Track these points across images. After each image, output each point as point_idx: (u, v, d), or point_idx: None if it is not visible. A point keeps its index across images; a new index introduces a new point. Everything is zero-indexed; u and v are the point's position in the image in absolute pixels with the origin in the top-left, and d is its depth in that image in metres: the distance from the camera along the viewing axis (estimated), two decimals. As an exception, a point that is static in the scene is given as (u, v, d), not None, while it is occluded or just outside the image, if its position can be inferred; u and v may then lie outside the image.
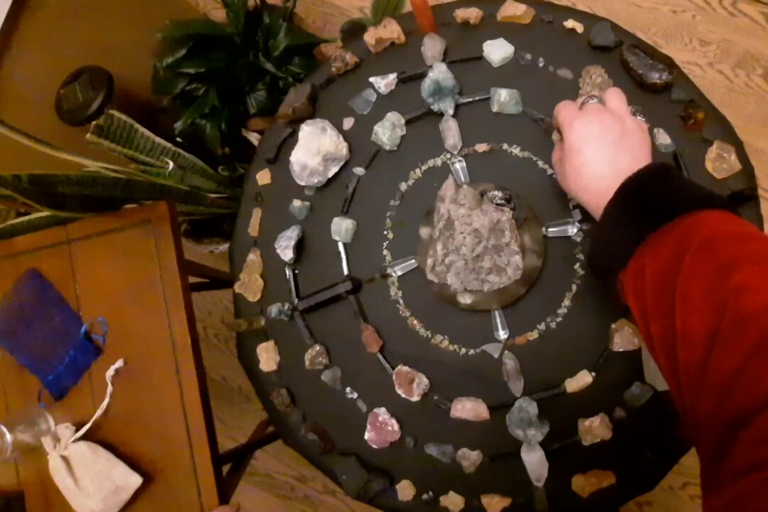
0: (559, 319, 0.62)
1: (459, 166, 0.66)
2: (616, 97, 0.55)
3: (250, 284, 0.71)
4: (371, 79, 0.69)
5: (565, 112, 0.55)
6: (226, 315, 1.50)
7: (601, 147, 0.51)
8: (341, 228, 0.67)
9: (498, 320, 0.63)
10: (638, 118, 0.57)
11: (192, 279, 0.79)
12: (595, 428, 0.58)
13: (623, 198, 0.48)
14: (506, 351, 0.62)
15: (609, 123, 0.51)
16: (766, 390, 0.33)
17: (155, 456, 0.71)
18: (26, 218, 0.79)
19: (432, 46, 0.68)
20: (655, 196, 0.47)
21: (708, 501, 0.34)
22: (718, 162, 0.60)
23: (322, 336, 0.68)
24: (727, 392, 0.35)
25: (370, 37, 0.70)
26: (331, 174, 0.69)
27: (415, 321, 0.65)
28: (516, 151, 0.65)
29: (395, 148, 0.68)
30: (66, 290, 0.78)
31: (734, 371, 0.35)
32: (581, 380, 0.60)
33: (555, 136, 0.63)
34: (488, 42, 0.67)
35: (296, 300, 0.69)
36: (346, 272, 0.68)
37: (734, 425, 0.34)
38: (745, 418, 0.33)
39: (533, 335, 0.62)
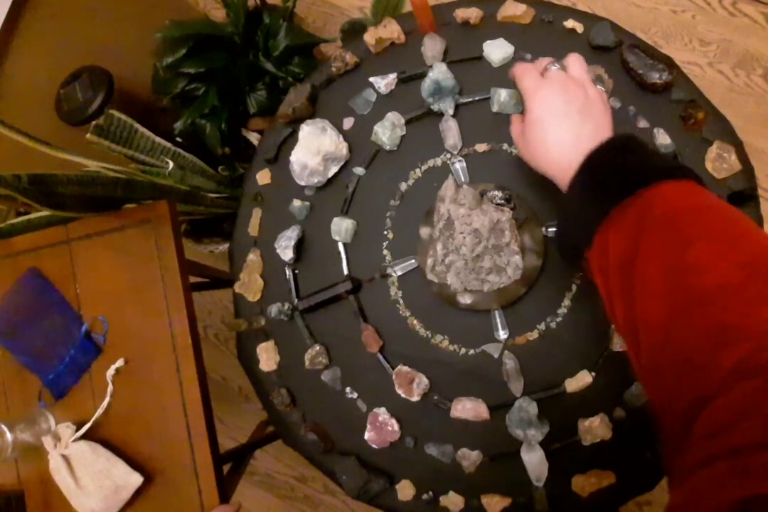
0: (559, 319, 0.62)
1: (459, 166, 0.66)
2: (577, 64, 0.53)
3: (250, 284, 0.71)
4: (371, 79, 0.69)
5: (528, 79, 0.53)
6: (226, 315, 1.50)
7: (567, 118, 0.49)
8: (341, 228, 0.67)
9: (498, 320, 0.63)
10: (598, 87, 0.55)
11: (192, 279, 0.79)
12: (595, 428, 0.58)
13: (587, 171, 0.46)
14: (506, 351, 0.62)
15: (573, 93, 0.50)
16: (717, 378, 0.31)
17: (156, 455, 0.71)
18: (26, 218, 0.79)
19: (432, 46, 0.68)
20: (618, 169, 0.45)
21: (670, 498, 0.32)
22: (718, 162, 0.60)
23: (322, 336, 0.68)
24: (680, 381, 0.33)
25: (370, 37, 0.70)
26: (331, 174, 0.69)
27: (415, 321, 0.65)
28: (516, 151, 0.65)
29: (395, 148, 0.68)
30: (66, 289, 0.78)
31: (687, 358, 0.33)
32: (581, 380, 0.60)
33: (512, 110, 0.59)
34: (488, 42, 0.67)
35: (296, 300, 0.69)
36: (346, 272, 0.68)
37: (688, 417, 0.32)
38: (697, 409, 0.32)
39: (533, 335, 0.62)
